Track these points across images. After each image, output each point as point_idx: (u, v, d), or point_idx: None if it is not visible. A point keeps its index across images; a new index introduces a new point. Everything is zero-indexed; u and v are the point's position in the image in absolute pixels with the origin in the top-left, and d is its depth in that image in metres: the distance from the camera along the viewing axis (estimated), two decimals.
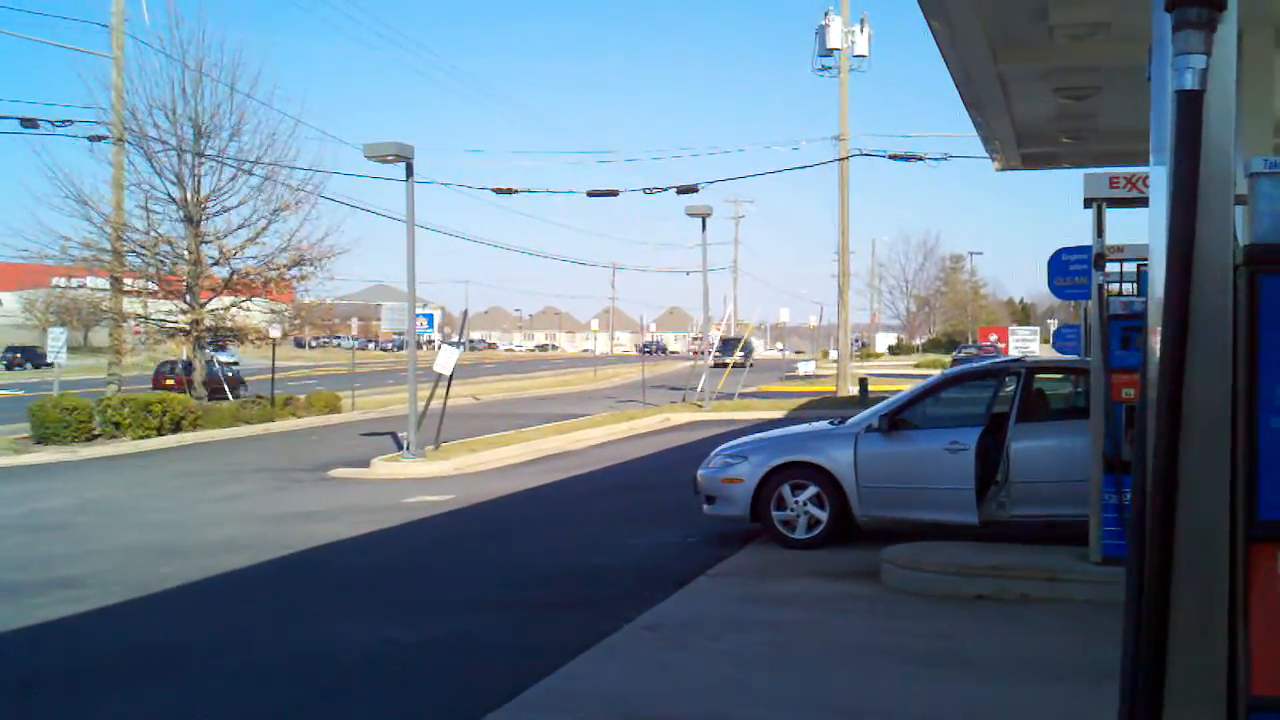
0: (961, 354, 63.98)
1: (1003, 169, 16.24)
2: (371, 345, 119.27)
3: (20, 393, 40.01)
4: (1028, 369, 11.28)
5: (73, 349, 78.59)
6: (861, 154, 37.58)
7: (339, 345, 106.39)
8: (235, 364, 58.90)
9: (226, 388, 34.12)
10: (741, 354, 55.75)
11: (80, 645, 8.81)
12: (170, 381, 38.66)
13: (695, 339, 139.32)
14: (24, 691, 7.52)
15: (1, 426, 29.18)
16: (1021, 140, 14.11)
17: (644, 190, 32.38)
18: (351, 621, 9.16)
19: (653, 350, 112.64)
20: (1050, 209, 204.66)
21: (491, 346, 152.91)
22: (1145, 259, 11.86)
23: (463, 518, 14.88)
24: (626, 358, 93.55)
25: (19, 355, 75.88)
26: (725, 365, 47.47)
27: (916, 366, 66.70)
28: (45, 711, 7.06)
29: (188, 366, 42.01)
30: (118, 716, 6.89)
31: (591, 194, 32.39)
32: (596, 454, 22.64)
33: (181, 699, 7.22)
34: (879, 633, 8.10)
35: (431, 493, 17.06)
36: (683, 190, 32.27)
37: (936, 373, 25.84)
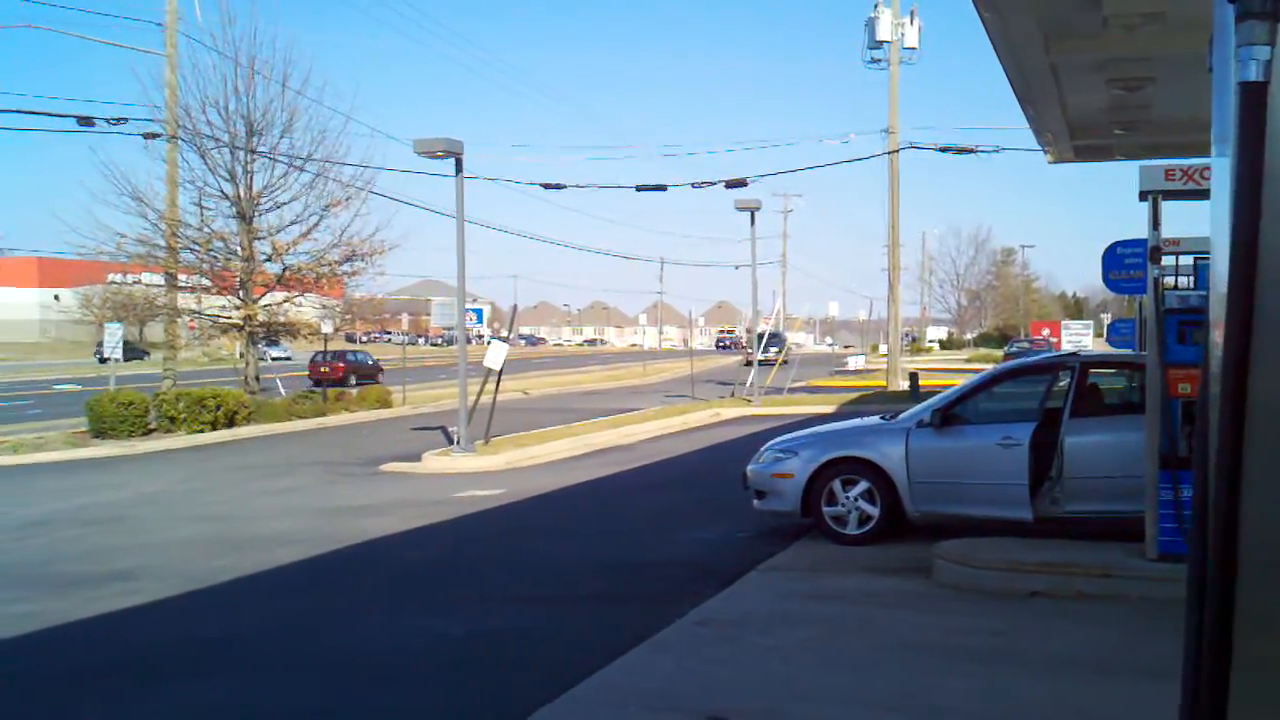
0: (1014, 348, 63.31)
1: (1055, 161, 16.09)
2: (421, 340, 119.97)
3: (109, 386, 40.51)
4: (1082, 363, 11.14)
5: (128, 343, 79.82)
6: (912, 147, 37.24)
7: (389, 340, 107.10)
8: (288, 358, 59.41)
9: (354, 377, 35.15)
10: (775, 348, 54.97)
11: (136, 637, 8.94)
12: (325, 370, 40.35)
13: (723, 332, 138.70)
14: (81, 681, 7.63)
15: (60, 421, 29.67)
16: (1074, 132, 13.96)
17: (693, 185, 32.17)
18: (403, 615, 9.23)
19: (729, 345, 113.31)
20: (1103, 202, 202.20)
21: (541, 341, 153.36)
22: (1202, 252, 11.72)
23: (513, 512, 14.94)
24: (674, 352, 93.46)
25: (125, 348, 77.20)
26: (769, 363, 46.75)
27: (968, 361, 66.19)
28: (101, 702, 7.17)
29: (337, 355, 43.53)
30: (171, 708, 6.98)
31: (640, 189, 32.49)
32: (646, 449, 22.66)
33: (234, 691, 7.30)
34: (931, 629, 8.05)
35: (482, 487, 17.14)
36: (731, 184, 32.18)
37: (988, 367, 25.62)
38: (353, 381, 29.81)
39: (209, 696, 7.19)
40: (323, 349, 40.72)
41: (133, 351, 74.56)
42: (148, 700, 7.15)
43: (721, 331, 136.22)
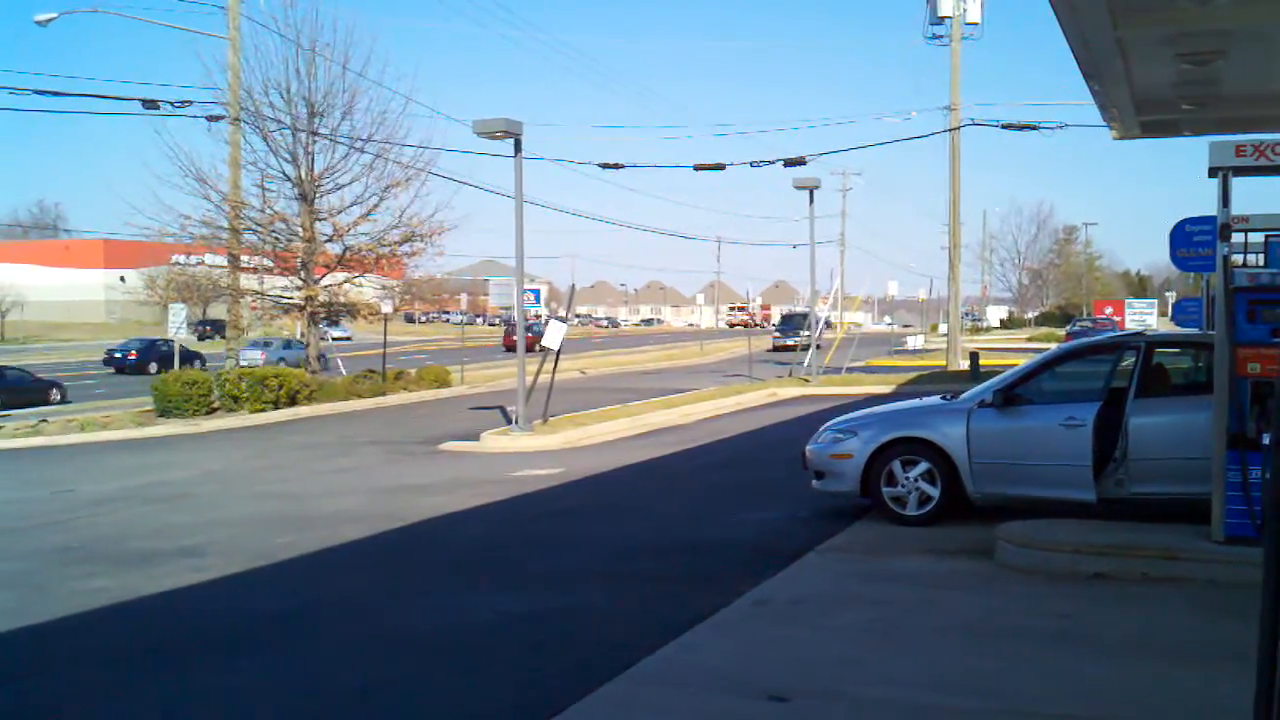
0: (1076, 327, 62.41)
1: (1120, 137, 15.85)
2: (480, 320, 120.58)
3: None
4: (1147, 343, 10.97)
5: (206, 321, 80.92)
6: (974, 123, 36.85)
7: (448, 320, 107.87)
8: (348, 338, 59.96)
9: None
10: (807, 333, 51.98)
11: (202, 613, 9.09)
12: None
13: (734, 309, 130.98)
14: (149, 657, 7.78)
15: (126, 400, 30.19)
16: (1140, 108, 13.74)
17: (751, 164, 31.91)
18: (464, 593, 9.30)
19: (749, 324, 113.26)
20: (1170, 178, 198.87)
21: (598, 321, 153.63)
22: (1273, 229, 11.47)
23: (571, 491, 15.00)
24: (727, 331, 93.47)
25: (209, 328, 78.56)
26: (787, 348, 45.37)
27: (1029, 340, 65.48)
28: (169, 677, 7.29)
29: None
30: (237, 683, 7.09)
31: (698, 168, 32.26)
32: (703, 428, 22.64)
33: (298, 666, 7.41)
34: (993, 610, 7.98)
35: (540, 466, 17.22)
36: (790, 163, 31.98)
37: (1050, 347, 25.30)
38: (319, 368, 28.70)
39: (274, 672, 7.30)
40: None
41: (212, 328, 75.77)
42: (213, 675, 7.26)
43: (733, 308, 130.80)
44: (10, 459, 20.38)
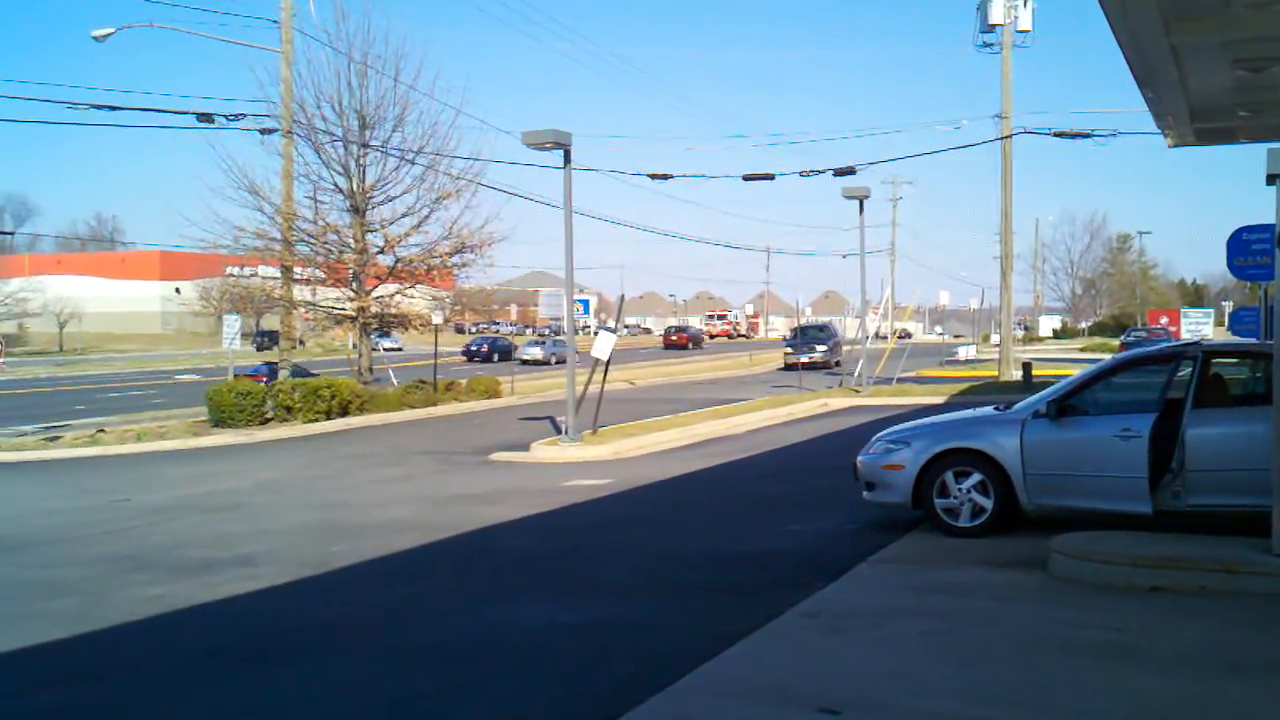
0: (1130, 337, 61.71)
1: (1175, 145, 15.69)
2: (529, 330, 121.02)
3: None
4: (1205, 353, 10.82)
5: (262, 332, 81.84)
6: (1025, 132, 36.41)
7: (498, 330, 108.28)
8: (399, 349, 60.45)
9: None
10: (825, 348, 47.85)
11: (256, 621, 9.18)
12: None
13: (714, 317, 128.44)
14: (205, 663, 7.87)
15: (181, 410, 30.54)
16: (1195, 115, 13.60)
17: (800, 173, 32.05)
18: (514, 603, 9.33)
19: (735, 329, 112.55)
20: (1226, 186, 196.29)
21: (646, 331, 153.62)
22: None
23: (621, 502, 15.00)
24: (778, 342, 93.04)
25: (266, 339, 79.53)
26: (800, 365, 42.01)
27: (1082, 350, 64.82)
28: (223, 684, 7.37)
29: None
30: (286, 690, 7.16)
31: (747, 178, 32.23)
32: (753, 439, 22.58)
33: (350, 675, 7.46)
34: (1047, 623, 7.90)
35: (590, 477, 17.25)
36: (840, 172, 31.89)
37: (1104, 357, 25.03)
38: (370, 379, 29.93)
39: (326, 679, 7.35)
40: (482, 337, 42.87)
41: (270, 339, 76.61)
42: (267, 683, 7.33)
43: (711, 316, 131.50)
44: (69, 468, 20.69)
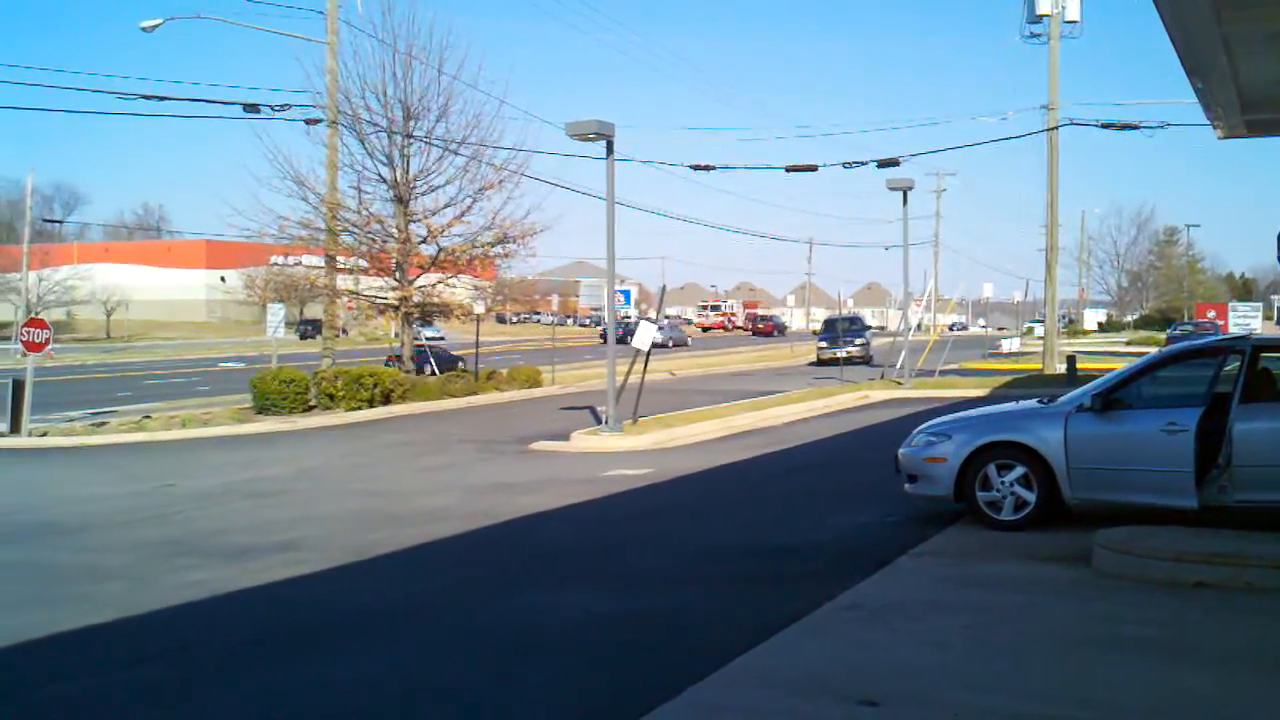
0: (1177, 331, 60.98)
1: (1225, 137, 15.49)
2: (570, 321, 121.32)
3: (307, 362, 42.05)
4: (1253, 347, 10.68)
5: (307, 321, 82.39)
6: (1072, 123, 36.09)
7: (539, 321, 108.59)
8: (440, 339, 60.77)
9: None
10: (858, 342, 45.53)
11: (298, 607, 9.25)
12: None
13: (706, 308, 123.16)
14: (248, 649, 7.95)
15: (226, 397, 30.85)
16: (1246, 106, 13.42)
17: (844, 165, 31.59)
18: (554, 592, 9.35)
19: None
20: (1276, 178, 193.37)
21: (686, 322, 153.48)
22: None
23: (660, 492, 15.01)
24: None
25: (309, 327, 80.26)
26: (835, 360, 41.55)
27: (1128, 344, 64.13)
28: (265, 669, 7.44)
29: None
30: (326, 676, 7.21)
31: (790, 169, 32.15)
32: (793, 430, 22.53)
33: (391, 662, 7.50)
34: (1090, 618, 7.83)
35: (629, 466, 17.26)
36: (883, 164, 31.69)
37: (1150, 351, 24.76)
38: (413, 368, 29.86)
39: (365, 666, 7.40)
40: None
41: (313, 328, 77.29)
42: (306, 667, 7.39)
43: (704, 306, 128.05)
44: (115, 454, 20.94)
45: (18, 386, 23.34)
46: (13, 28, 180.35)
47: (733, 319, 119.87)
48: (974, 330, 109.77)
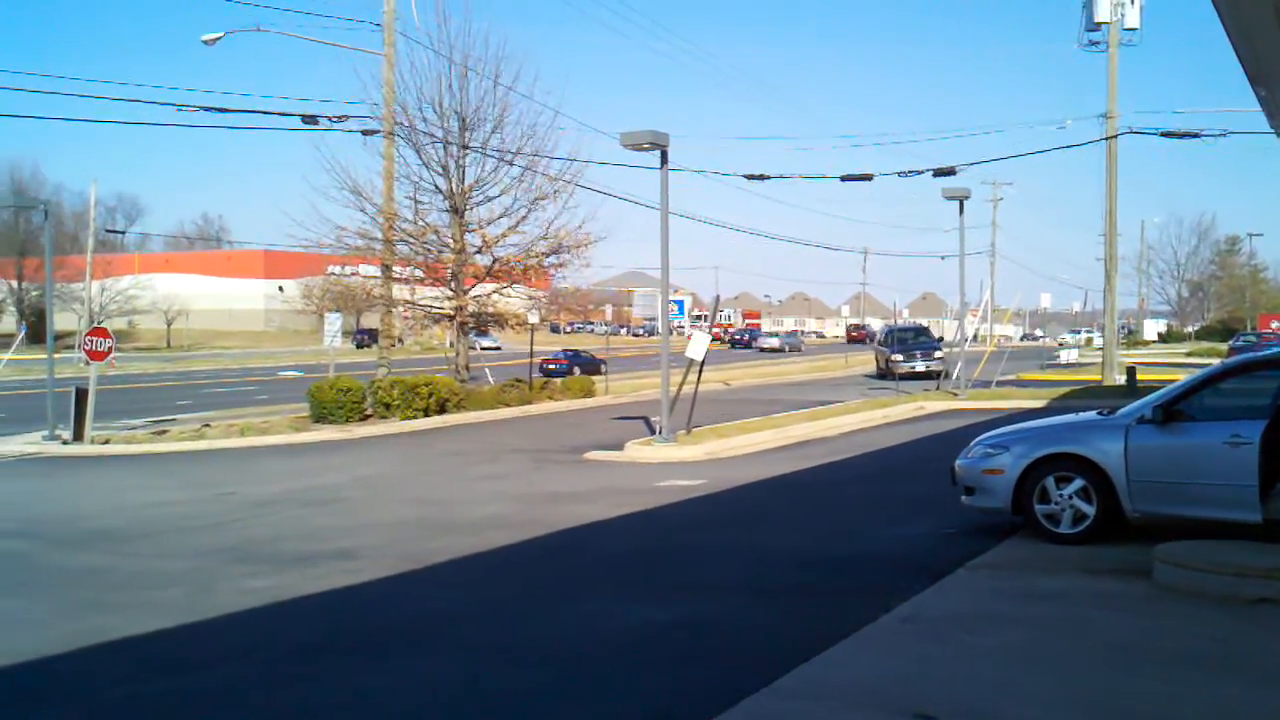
0: (1240, 342, 59.94)
1: None
2: (623, 330, 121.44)
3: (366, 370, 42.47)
4: None
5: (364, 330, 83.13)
6: (1131, 132, 35.63)
7: (592, 330, 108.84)
8: (497, 348, 61.09)
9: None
10: (937, 355, 42.09)
11: (354, 614, 9.34)
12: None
13: (700, 318, 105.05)
14: (306, 656, 8.03)
15: (283, 406, 31.19)
16: None
17: (899, 174, 31.69)
18: (608, 601, 9.37)
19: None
20: None
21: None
22: None
23: (715, 502, 14.99)
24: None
25: (366, 336, 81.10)
26: (913, 374, 39.34)
27: (1188, 355, 63.13)
28: (319, 673, 7.52)
29: None
30: (382, 683, 7.27)
31: (845, 179, 31.97)
32: (849, 441, 22.40)
33: (449, 669, 7.56)
34: (1150, 633, 7.72)
35: (683, 477, 17.25)
36: (939, 173, 31.48)
37: (1211, 362, 24.38)
38: (468, 377, 30.12)
39: (421, 673, 7.45)
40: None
41: (369, 338, 78.08)
42: (370, 675, 7.45)
43: (698, 317, 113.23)
44: (176, 462, 21.23)
45: (81, 395, 23.75)
46: (78, 43, 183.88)
47: (730, 331, 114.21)
48: (1043, 340, 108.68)
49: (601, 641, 8.09)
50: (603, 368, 37.95)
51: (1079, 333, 58.19)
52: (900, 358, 41.49)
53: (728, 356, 69.95)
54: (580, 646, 7.98)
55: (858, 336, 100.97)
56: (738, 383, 42.31)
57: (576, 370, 34.26)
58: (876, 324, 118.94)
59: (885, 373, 42.43)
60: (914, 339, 45.06)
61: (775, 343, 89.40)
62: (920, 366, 39.76)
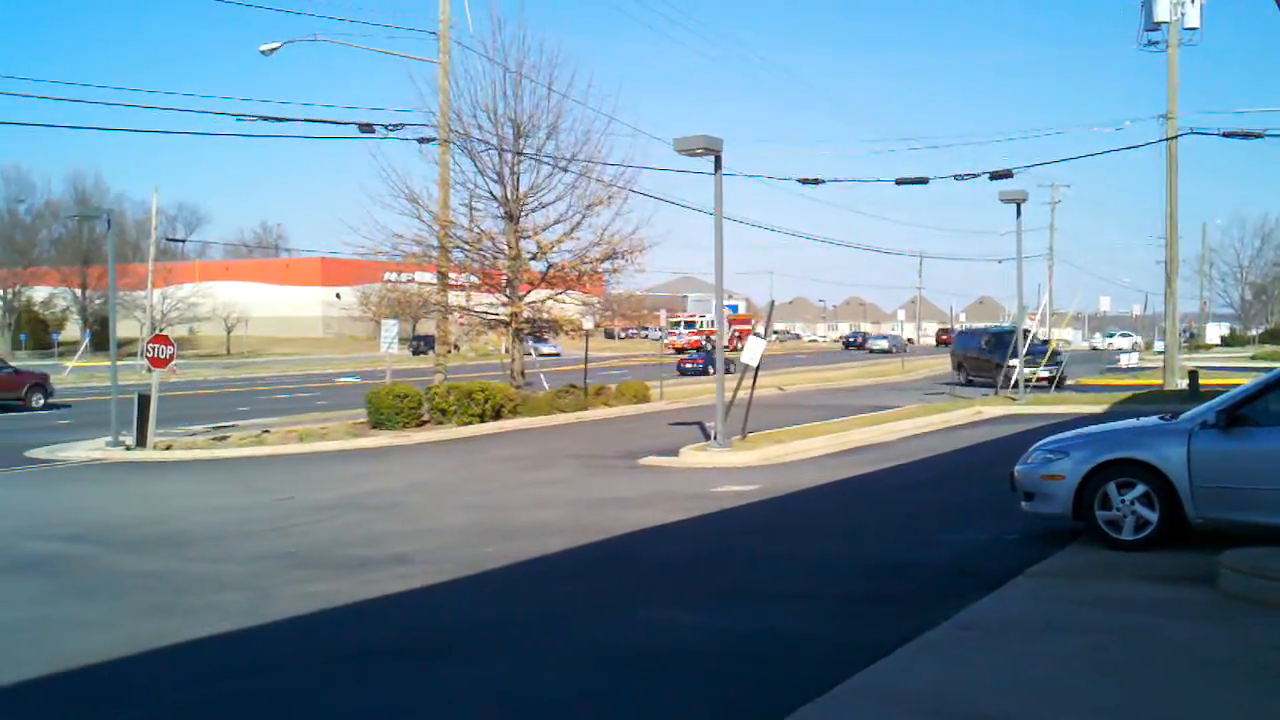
0: None
1: None
2: None
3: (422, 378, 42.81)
4: None
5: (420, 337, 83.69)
6: (1192, 132, 35.09)
7: (646, 336, 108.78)
8: (556, 354, 61.22)
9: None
10: (1056, 360, 38.85)
11: (410, 619, 9.40)
12: None
13: (679, 324, 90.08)
14: (364, 660, 8.07)
15: (341, 412, 31.46)
16: None
17: (955, 177, 31.08)
18: (663, 608, 9.35)
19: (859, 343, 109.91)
20: None
21: (796, 337, 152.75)
22: None
23: (770, 508, 14.93)
24: (929, 349, 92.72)
25: (422, 343, 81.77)
26: (1041, 380, 36.59)
27: (1252, 359, 62.13)
28: (379, 681, 7.55)
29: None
30: (439, 689, 7.31)
31: (900, 182, 31.74)
32: (905, 447, 22.24)
33: (506, 675, 7.57)
34: (1214, 642, 7.59)
35: (739, 482, 17.20)
36: (996, 176, 31.16)
37: (1277, 366, 23.95)
38: (523, 383, 30.29)
39: (477, 680, 7.48)
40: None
41: (426, 344, 78.66)
42: (429, 680, 7.49)
43: (676, 323, 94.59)
44: (236, 467, 21.48)
45: (143, 401, 24.10)
46: (138, 55, 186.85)
47: (707, 337, 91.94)
48: (1087, 345, 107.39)
49: (656, 648, 8.07)
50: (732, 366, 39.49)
51: (1127, 335, 56.53)
52: (1015, 363, 37.18)
53: (832, 358, 69.48)
54: (635, 653, 7.97)
55: (947, 340, 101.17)
56: (793, 388, 42.13)
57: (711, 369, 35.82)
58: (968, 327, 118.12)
59: (977, 380, 40.39)
60: (1005, 341, 40.25)
61: (884, 344, 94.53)
62: (1044, 372, 37.32)
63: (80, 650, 8.41)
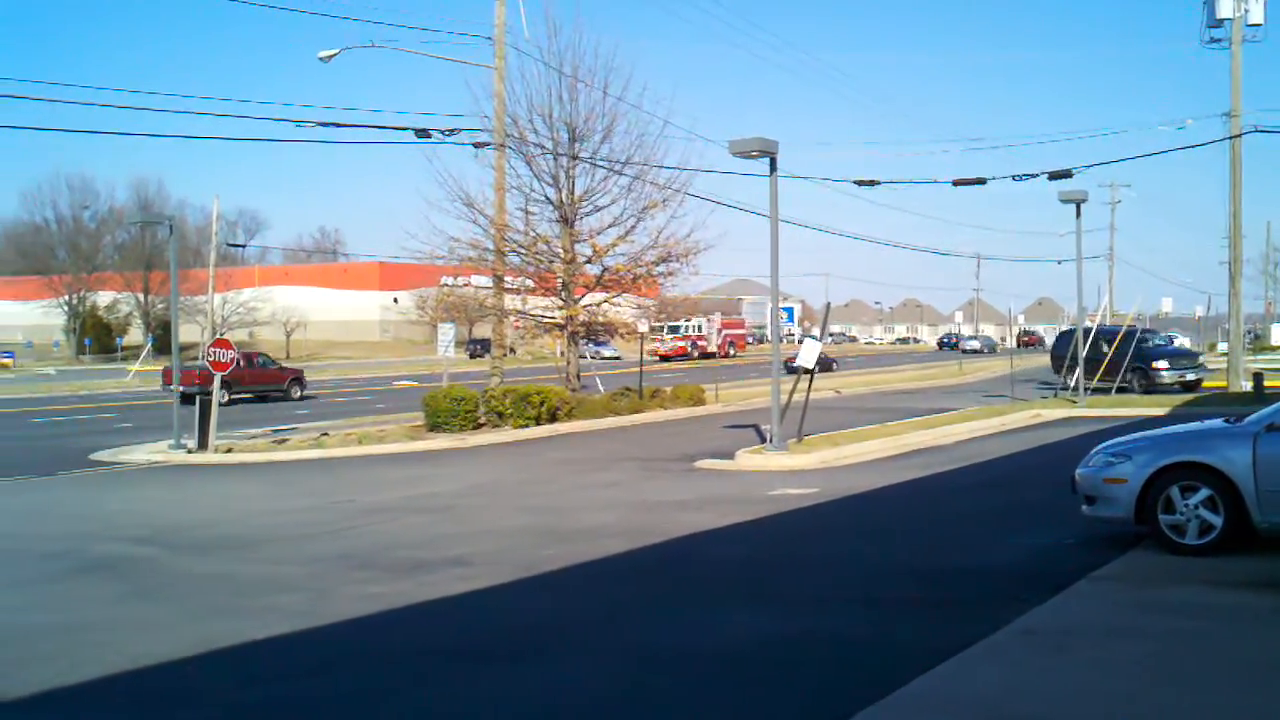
0: None
1: None
2: None
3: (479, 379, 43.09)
4: None
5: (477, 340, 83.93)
6: (1256, 130, 34.53)
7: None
8: (616, 357, 61.13)
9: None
10: (1199, 363, 37.64)
11: (469, 620, 9.46)
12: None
13: (660, 328, 77.18)
14: (423, 661, 8.14)
15: (399, 415, 31.70)
16: None
17: (1013, 177, 30.74)
18: (720, 611, 9.34)
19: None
20: None
21: (852, 339, 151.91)
22: None
23: (827, 511, 14.86)
24: (981, 353, 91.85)
25: (479, 346, 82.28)
26: (1184, 384, 35.31)
27: None
28: (437, 682, 7.62)
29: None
30: (499, 690, 7.34)
31: (958, 183, 31.43)
32: (963, 450, 22.04)
33: (563, 677, 7.60)
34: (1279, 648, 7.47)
35: (795, 485, 17.13)
36: (1055, 176, 30.77)
37: None
38: (579, 386, 30.66)
39: (535, 680, 7.52)
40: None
41: (482, 347, 79.07)
42: (489, 681, 7.53)
43: (655, 326, 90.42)
44: (296, 470, 21.72)
45: (204, 405, 24.43)
46: (197, 62, 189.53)
47: (701, 342, 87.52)
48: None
49: (711, 651, 8.06)
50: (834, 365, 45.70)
51: (1175, 336, 54.93)
52: (1164, 364, 36.32)
53: (925, 357, 68.98)
54: (691, 655, 7.95)
55: (1029, 341, 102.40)
56: (849, 391, 41.89)
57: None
58: (1046, 329, 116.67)
59: (1107, 383, 36.40)
60: (1157, 344, 39.30)
61: (976, 344, 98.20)
62: (1190, 375, 35.81)
63: (148, 651, 8.53)
